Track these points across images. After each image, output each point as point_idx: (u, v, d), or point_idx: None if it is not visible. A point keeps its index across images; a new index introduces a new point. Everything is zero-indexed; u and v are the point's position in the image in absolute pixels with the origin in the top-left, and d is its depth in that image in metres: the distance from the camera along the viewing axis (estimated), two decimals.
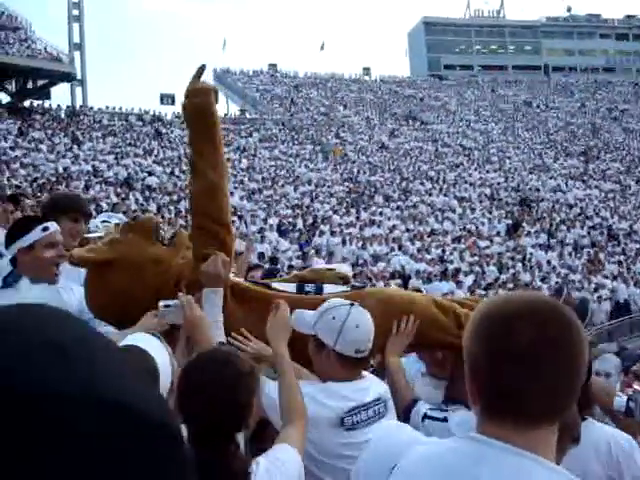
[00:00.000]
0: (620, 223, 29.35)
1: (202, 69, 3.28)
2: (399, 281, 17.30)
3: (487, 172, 35.73)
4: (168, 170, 27.42)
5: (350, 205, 27.04)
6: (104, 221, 5.00)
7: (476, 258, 22.30)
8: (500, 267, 21.95)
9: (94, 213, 6.59)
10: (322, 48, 62.85)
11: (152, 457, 0.55)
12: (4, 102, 36.30)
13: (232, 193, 25.13)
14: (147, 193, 24.33)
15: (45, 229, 3.51)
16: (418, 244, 22.65)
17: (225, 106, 49.74)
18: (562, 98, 57.31)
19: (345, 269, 4.27)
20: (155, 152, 30.21)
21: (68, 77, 39.35)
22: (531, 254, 24.13)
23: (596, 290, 20.87)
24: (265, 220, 22.95)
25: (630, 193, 34.71)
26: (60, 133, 30.27)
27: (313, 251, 19.57)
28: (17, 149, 26.37)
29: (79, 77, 41.65)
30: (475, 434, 1.33)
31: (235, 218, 22.47)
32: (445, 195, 30.24)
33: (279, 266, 14.22)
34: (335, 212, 25.70)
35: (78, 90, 42.80)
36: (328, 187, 29.61)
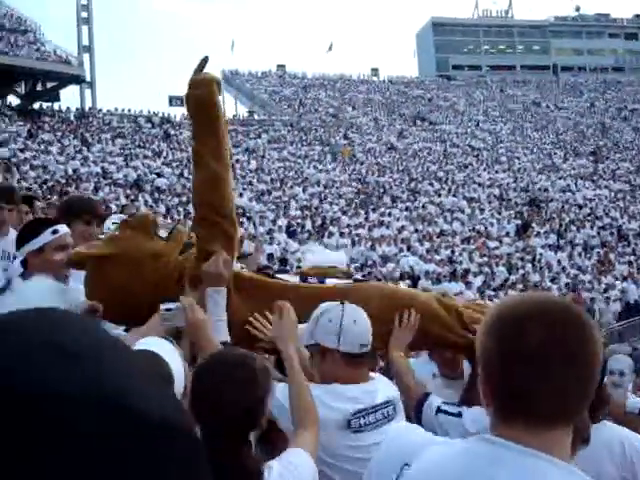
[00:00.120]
0: (630, 223, 29.20)
1: (205, 61, 3.26)
2: (408, 282, 17.28)
3: (496, 172, 35.64)
4: (177, 172, 27.46)
5: (359, 206, 27.04)
6: (115, 222, 5.02)
7: (485, 259, 22.27)
8: (509, 268, 21.90)
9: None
10: (330, 49, 62.82)
11: (153, 457, 0.54)
12: (14, 104, 36.47)
13: (241, 194, 25.19)
14: (156, 195, 24.41)
15: (55, 232, 3.51)
16: (427, 245, 22.63)
17: (234, 107, 49.87)
18: (571, 98, 57.13)
19: (337, 257, 4.28)
20: (164, 154, 30.28)
21: (77, 79, 39.51)
22: (541, 255, 24.05)
23: (606, 291, 20.80)
24: (274, 221, 22.99)
25: None
26: (69, 135, 30.37)
27: None
28: (27, 151, 26.47)
29: (88, 79, 41.80)
30: (490, 436, 1.33)
31: (244, 219, 22.51)
32: (454, 196, 30.17)
33: (288, 267, 14.23)
34: (344, 213, 25.72)
35: (87, 92, 42.97)
36: (337, 188, 29.61)
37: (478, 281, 19.20)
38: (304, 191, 28.18)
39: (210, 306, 3.07)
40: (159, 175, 26.74)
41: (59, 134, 30.26)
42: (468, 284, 17.99)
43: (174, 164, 28.75)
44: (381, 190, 29.97)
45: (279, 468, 2.15)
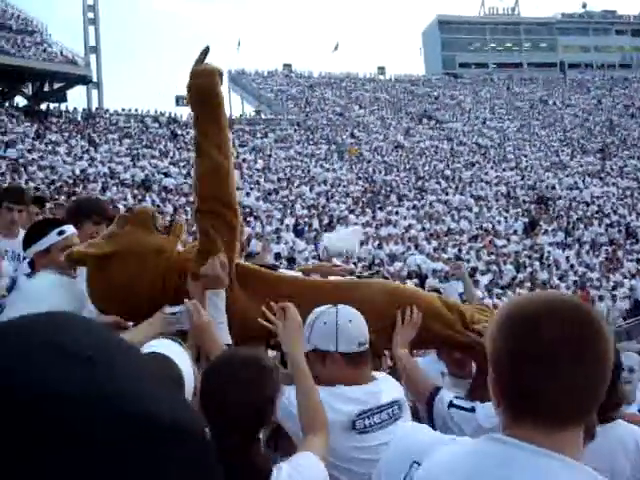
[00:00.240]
0: (638, 221, 29.09)
1: (206, 52, 3.24)
2: (416, 280, 17.27)
3: (503, 170, 35.58)
4: (184, 171, 27.48)
5: (366, 205, 27.03)
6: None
7: (493, 257, 22.22)
8: (517, 266, 21.85)
9: None
10: (336, 48, 62.79)
11: (161, 460, 0.54)
12: (21, 105, 36.57)
13: (248, 194, 25.22)
14: (164, 194, 24.44)
15: (61, 233, 3.52)
16: (434, 243, 22.62)
17: (240, 107, 49.96)
18: (578, 95, 56.96)
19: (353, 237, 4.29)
20: (171, 154, 30.32)
21: (84, 80, 39.64)
22: (549, 252, 24.00)
23: (614, 288, 20.72)
24: (281, 220, 22.99)
25: None
26: (77, 135, 30.44)
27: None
28: (34, 152, 26.54)
29: (95, 80, 41.89)
30: (501, 435, 1.33)
31: (251, 219, 22.53)
32: (461, 194, 30.14)
33: (296, 266, 14.24)
34: (351, 212, 25.71)
35: (94, 92, 43.07)
36: (344, 187, 29.61)
37: (486, 279, 19.15)
38: (311, 190, 28.19)
39: (210, 310, 3.05)
40: (166, 175, 26.77)
41: (66, 135, 30.33)
42: (476, 282, 17.93)
43: (181, 164, 28.77)
44: (388, 189, 29.96)
45: (288, 469, 2.14)
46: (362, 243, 21.23)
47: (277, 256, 16.95)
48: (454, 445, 1.50)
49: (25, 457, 0.50)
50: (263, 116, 42.92)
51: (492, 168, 35.61)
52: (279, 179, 29.30)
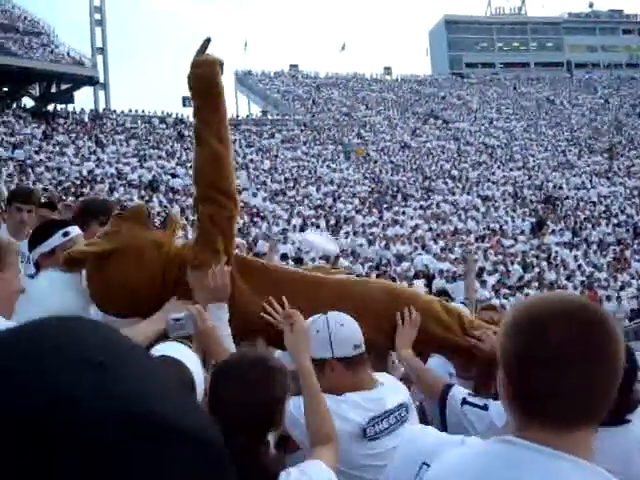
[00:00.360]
0: None
1: (207, 42, 3.25)
2: (423, 281, 17.24)
3: (510, 170, 35.53)
4: (191, 172, 27.49)
5: (373, 205, 27.03)
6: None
7: (500, 257, 22.19)
8: (525, 266, 21.81)
9: None
10: (343, 48, 62.84)
11: (160, 458, 0.54)
12: (28, 106, 36.69)
13: (255, 194, 25.25)
14: (171, 195, 24.49)
15: (66, 234, 3.51)
16: (441, 243, 22.61)
17: (247, 107, 50.01)
18: (585, 95, 56.85)
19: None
20: (178, 154, 30.36)
21: (91, 81, 39.73)
22: (556, 252, 23.95)
23: (622, 288, 20.65)
24: (288, 221, 23.00)
25: None
26: (84, 136, 30.54)
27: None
28: (41, 153, 26.63)
29: (102, 81, 41.97)
30: (511, 437, 1.33)
31: (258, 219, 22.55)
32: (468, 194, 30.13)
33: (302, 267, 14.22)
34: (358, 212, 25.71)
35: (101, 94, 43.13)
36: (350, 187, 29.62)
37: (493, 279, 19.13)
38: (318, 190, 28.20)
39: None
40: (173, 176, 26.82)
41: (73, 136, 30.42)
42: (483, 282, 17.91)
43: (188, 164, 28.73)
44: (395, 189, 29.96)
45: (297, 474, 2.13)
46: (371, 243, 21.26)
47: (284, 256, 16.94)
48: (463, 446, 1.50)
49: (35, 460, 0.50)
50: (270, 117, 42.94)
51: (499, 168, 35.57)
52: (286, 179, 29.33)
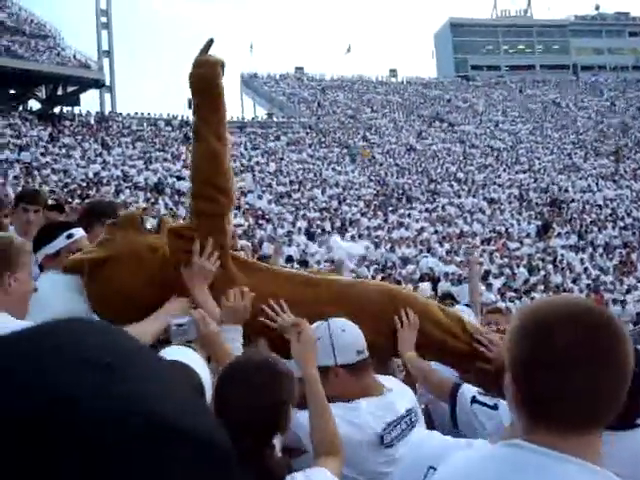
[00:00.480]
0: None
1: (210, 42, 3.28)
2: (428, 283, 17.23)
3: (516, 173, 35.51)
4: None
5: (378, 208, 27.03)
6: None
7: (506, 260, 22.17)
8: (530, 269, 21.79)
9: None
10: (348, 51, 62.87)
11: (159, 458, 0.54)
12: (35, 109, 36.77)
13: (260, 197, 25.27)
14: (176, 197, 24.52)
15: (70, 236, 3.51)
16: (447, 246, 22.62)
17: (252, 110, 50.05)
18: (591, 97, 56.75)
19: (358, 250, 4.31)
20: (184, 157, 30.35)
21: (97, 83, 39.79)
22: (562, 255, 23.92)
23: (628, 292, 20.61)
24: (293, 223, 23.03)
25: None
26: (90, 139, 30.60)
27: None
28: (48, 155, 26.68)
29: (108, 83, 42.05)
30: (518, 440, 1.32)
31: (263, 221, 22.57)
32: (474, 196, 30.13)
33: (307, 270, 14.22)
34: (363, 215, 25.72)
35: (107, 96, 43.20)
36: (356, 190, 29.63)
37: (498, 283, 19.11)
38: (323, 193, 28.22)
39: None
40: (179, 178, 26.84)
41: (79, 138, 30.48)
42: (488, 285, 17.89)
43: None
44: (400, 191, 29.96)
45: (302, 479, 2.13)
46: (376, 246, 21.26)
47: (289, 259, 16.95)
48: (470, 450, 1.49)
49: (35, 460, 0.50)
50: (275, 119, 42.96)
51: (505, 171, 35.55)
52: (291, 182, 29.34)
